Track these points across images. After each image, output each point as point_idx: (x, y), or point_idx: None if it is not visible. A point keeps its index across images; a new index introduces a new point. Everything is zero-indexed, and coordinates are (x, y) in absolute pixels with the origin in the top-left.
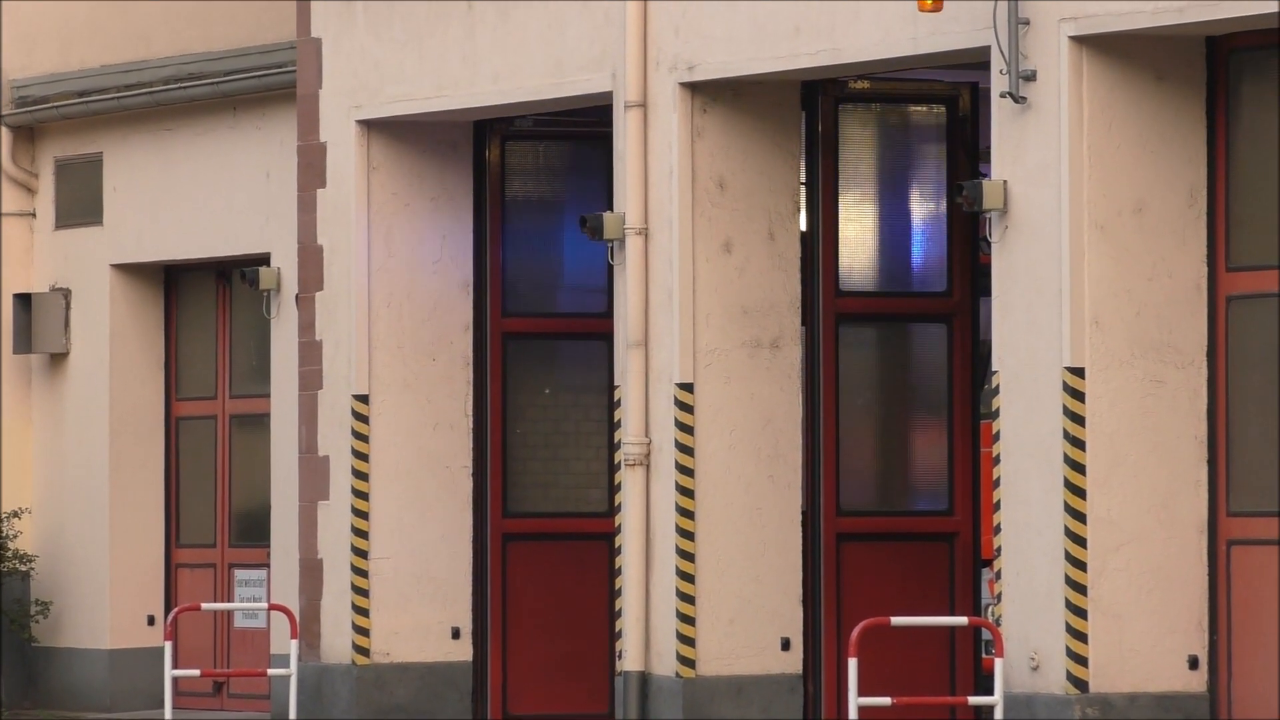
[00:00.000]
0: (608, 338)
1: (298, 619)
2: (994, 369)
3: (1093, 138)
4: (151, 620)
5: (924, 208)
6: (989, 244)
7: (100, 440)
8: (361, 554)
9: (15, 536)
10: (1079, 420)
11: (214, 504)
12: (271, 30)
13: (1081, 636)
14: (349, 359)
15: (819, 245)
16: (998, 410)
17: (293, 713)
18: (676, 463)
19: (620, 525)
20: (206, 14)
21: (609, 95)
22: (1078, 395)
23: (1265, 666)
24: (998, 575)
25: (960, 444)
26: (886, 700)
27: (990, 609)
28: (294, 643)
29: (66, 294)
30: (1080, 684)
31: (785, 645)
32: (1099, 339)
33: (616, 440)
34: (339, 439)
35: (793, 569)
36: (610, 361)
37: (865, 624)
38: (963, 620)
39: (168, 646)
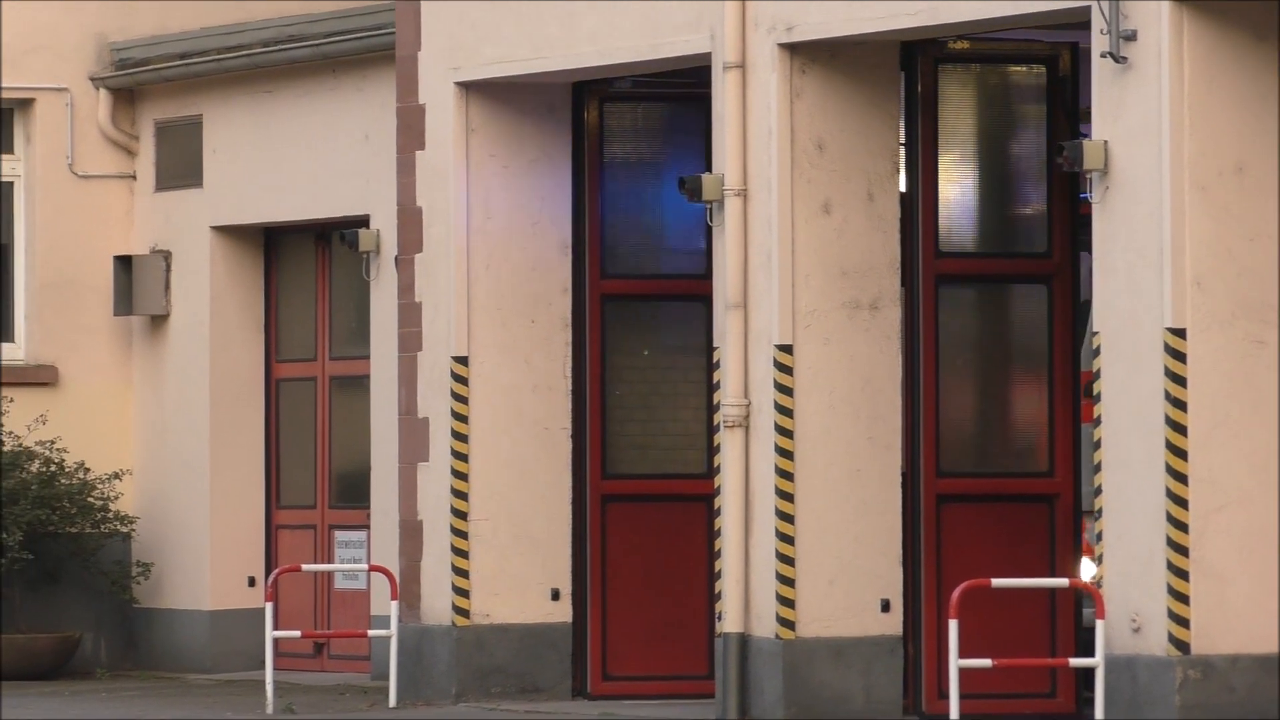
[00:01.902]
0: (706, 299)
1: (398, 580)
2: (1094, 330)
3: (1193, 98)
4: (252, 581)
5: (1023, 168)
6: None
7: (200, 402)
8: (461, 515)
9: (116, 498)
10: (1180, 381)
11: (314, 466)
12: None
13: (1183, 598)
14: (448, 321)
15: (918, 206)
16: (1098, 371)
17: (393, 674)
18: (776, 424)
19: (719, 487)
20: None
21: (707, 56)
22: (1179, 356)
23: None
24: (1098, 537)
25: (1061, 405)
26: (987, 662)
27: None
28: (394, 604)
29: (167, 256)
30: (1182, 646)
31: (885, 607)
32: (1200, 300)
33: (715, 402)
34: (438, 401)
35: (892, 530)
36: (708, 323)
37: (966, 585)
38: (1063, 582)
39: (268, 608)
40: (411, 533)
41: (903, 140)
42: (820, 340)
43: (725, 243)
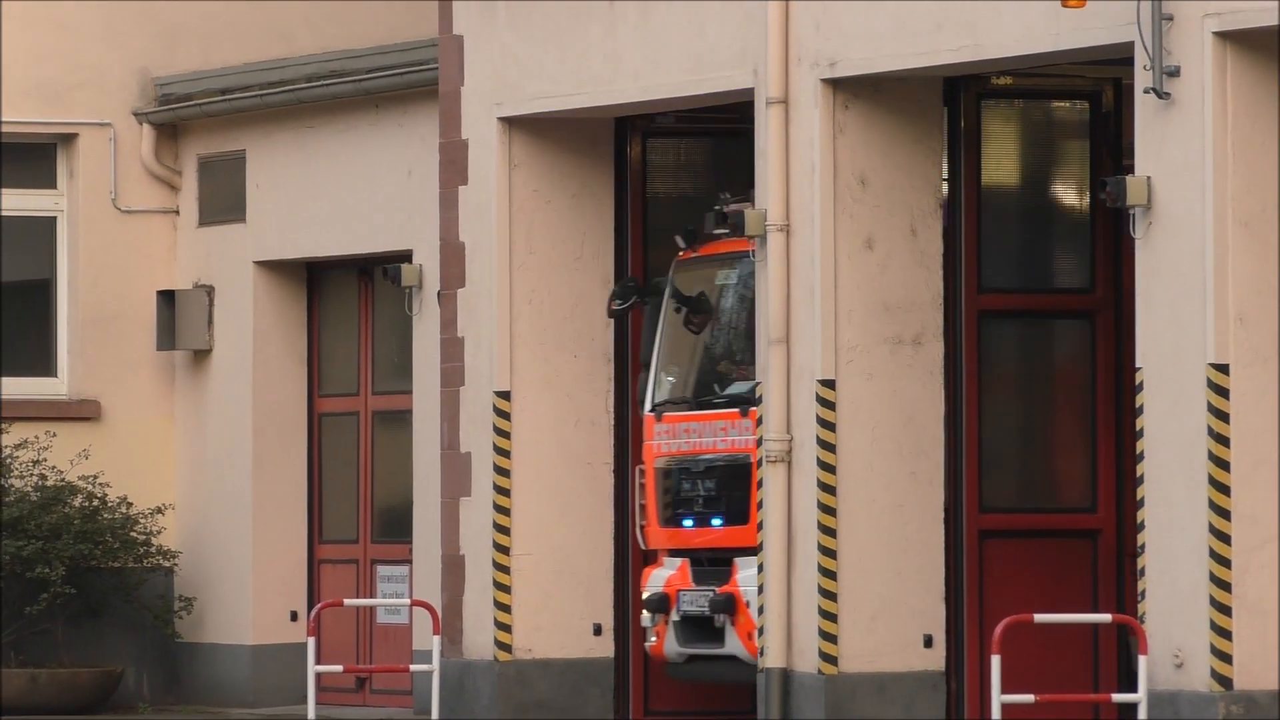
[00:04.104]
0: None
1: (440, 615)
2: (1138, 365)
3: (1236, 134)
4: (294, 616)
5: (1067, 204)
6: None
7: (243, 436)
8: (503, 550)
9: (159, 533)
10: (1223, 417)
11: (356, 500)
12: (413, 28)
13: (1226, 634)
14: (490, 356)
15: (961, 242)
16: (1141, 407)
17: (435, 709)
18: (818, 459)
19: (761, 522)
20: (348, 11)
21: (750, 92)
22: (1222, 391)
23: None
24: (1141, 572)
25: (1104, 441)
26: (1030, 698)
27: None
28: (436, 639)
29: (210, 291)
30: (1225, 681)
31: (928, 642)
32: (1243, 335)
33: (758, 437)
34: (481, 435)
35: (935, 566)
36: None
37: (1008, 621)
38: (1106, 617)
39: (310, 642)
40: (454, 567)
41: (945, 176)
42: (863, 375)
43: (768, 278)
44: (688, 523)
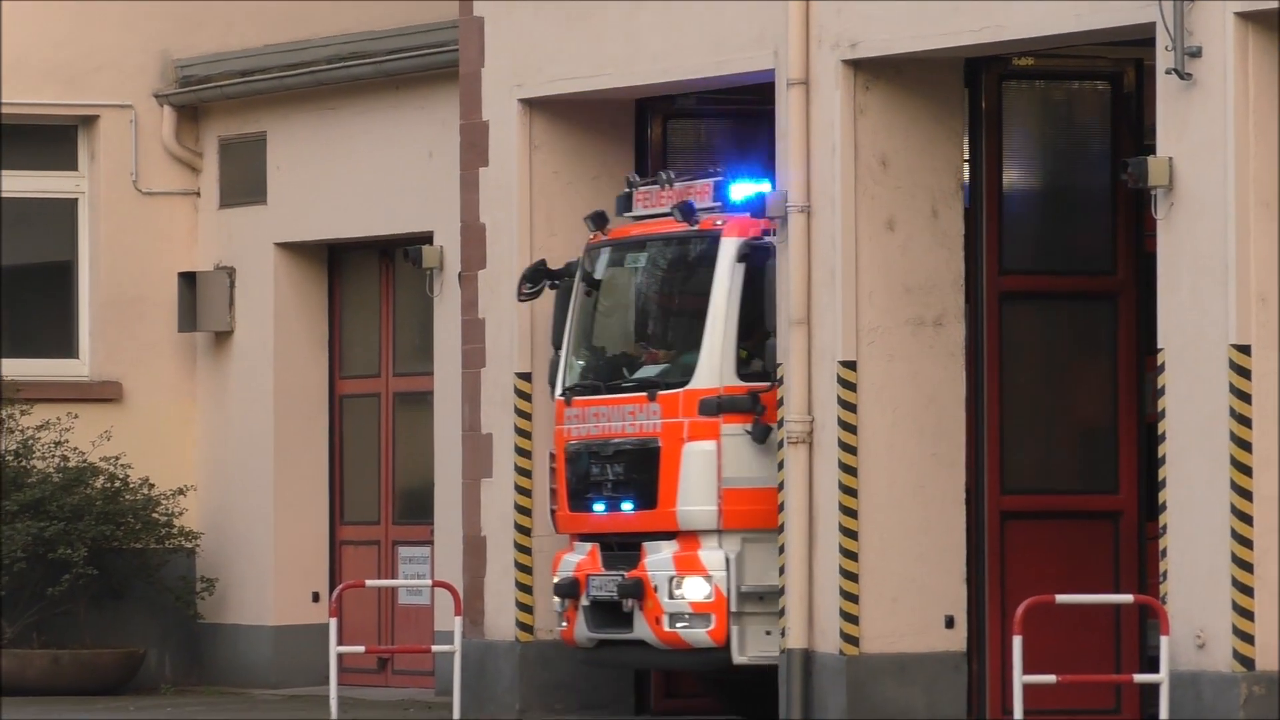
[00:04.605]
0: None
1: (461, 596)
2: (1159, 346)
3: (1258, 114)
4: (316, 597)
5: (1088, 185)
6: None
7: (264, 418)
8: (525, 531)
9: (180, 514)
10: (1245, 398)
11: (377, 481)
12: (433, 9)
13: (1248, 614)
14: (511, 337)
15: (982, 223)
16: (1162, 388)
17: (456, 690)
18: (839, 440)
19: (783, 503)
20: None
21: (771, 73)
22: (1244, 373)
23: None
24: (1162, 553)
25: (1125, 422)
26: (1051, 678)
27: None
28: (458, 619)
29: (231, 272)
30: (1246, 662)
31: (949, 623)
32: (1265, 316)
33: (779, 419)
34: (502, 416)
35: (956, 547)
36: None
37: (1030, 602)
38: (1128, 598)
39: (332, 623)
40: (475, 548)
41: (967, 157)
42: (884, 357)
43: (789, 259)
44: (597, 507)
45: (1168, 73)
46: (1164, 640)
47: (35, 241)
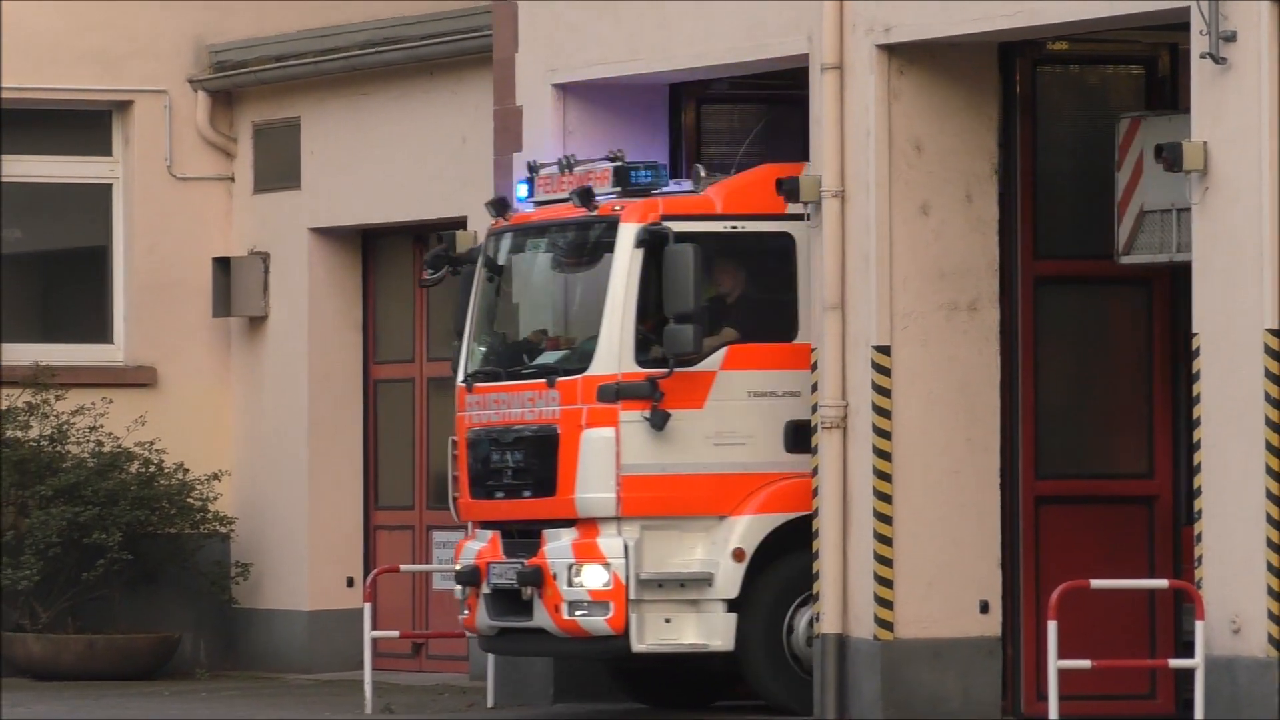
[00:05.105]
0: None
1: None
2: (1194, 331)
3: None
4: (350, 582)
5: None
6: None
7: (299, 403)
8: None
9: (215, 499)
10: None
11: (411, 466)
12: None
13: None
14: None
15: (1017, 208)
16: (1197, 373)
17: (491, 675)
18: (874, 425)
19: (817, 488)
20: None
21: (805, 58)
22: (1278, 357)
23: None
24: (1198, 538)
25: (1160, 407)
26: (1086, 663)
27: None
28: None
29: (265, 258)
30: None
31: (984, 608)
32: None
33: (813, 403)
34: None
35: (991, 532)
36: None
37: (1065, 587)
38: (1163, 583)
39: (367, 608)
40: None
41: (1001, 141)
42: (918, 342)
43: (823, 244)
44: (498, 495)
45: (1202, 57)
46: (1199, 625)
47: (70, 227)
